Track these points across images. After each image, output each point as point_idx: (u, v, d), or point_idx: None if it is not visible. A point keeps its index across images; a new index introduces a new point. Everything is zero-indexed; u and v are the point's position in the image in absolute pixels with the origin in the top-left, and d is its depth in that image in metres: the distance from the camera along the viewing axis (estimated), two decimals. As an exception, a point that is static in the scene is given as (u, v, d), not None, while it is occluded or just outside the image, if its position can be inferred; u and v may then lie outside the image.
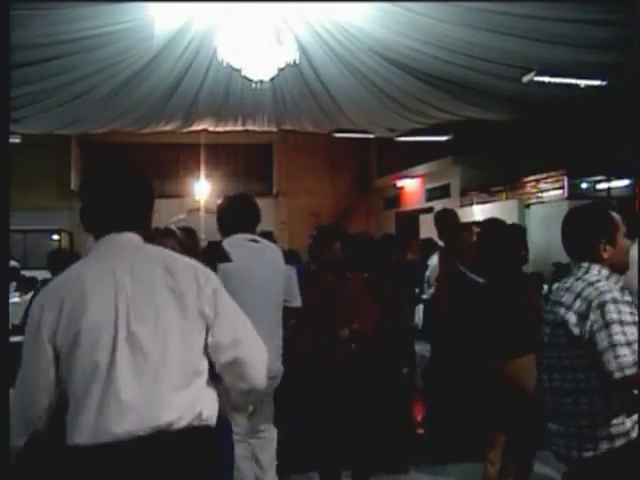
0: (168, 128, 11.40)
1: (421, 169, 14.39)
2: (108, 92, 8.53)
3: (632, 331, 2.15)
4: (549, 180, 10.11)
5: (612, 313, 2.16)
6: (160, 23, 6.34)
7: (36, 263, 13.95)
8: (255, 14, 6.02)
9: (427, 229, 12.66)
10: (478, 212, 11.07)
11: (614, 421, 2.18)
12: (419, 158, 13.94)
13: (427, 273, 6.48)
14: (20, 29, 5.82)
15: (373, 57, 7.40)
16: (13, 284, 8.42)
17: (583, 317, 2.20)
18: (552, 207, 9.65)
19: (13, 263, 9.01)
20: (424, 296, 6.61)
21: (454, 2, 5.77)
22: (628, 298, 2.24)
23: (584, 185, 10.03)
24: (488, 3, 5.69)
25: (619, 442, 2.17)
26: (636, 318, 2.20)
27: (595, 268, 2.32)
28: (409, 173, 15.01)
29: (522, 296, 3.58)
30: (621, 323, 2.14)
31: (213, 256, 3.06)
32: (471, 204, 12.10)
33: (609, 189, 9.80)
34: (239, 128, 11.72)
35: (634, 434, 2.19)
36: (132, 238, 1.83)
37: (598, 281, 2.26)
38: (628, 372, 2.09)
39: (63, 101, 8.82)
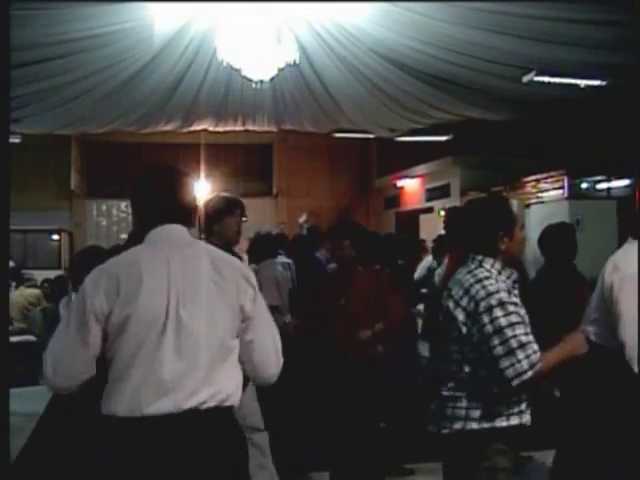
0: (168, 128, 11.40)
1: (421, 169, 14.39)
2: (108, 92, 8.53)
3: (522, 331, 2.18)
4: (549, 180, 10.10)
5: (500, 318, 2.18)
6: (160, 23, 6.34)
7: (36, 263, 14.01)
8: (255, 14, 6.02)
9: (427, 229, 12.68)
10: (478, 212, 11.04)
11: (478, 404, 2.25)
12: (419, 158, 13.93)
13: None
14: (20, 29, 5.82)
15: (373, 57, 7.40)
16: (13, 284, 8.45)
17: (472, 318, 2.23)
18: (552, 207, 9.65)
19: (11, 263, 9.04)
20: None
21: (454, 2, 5.77)
22: (515, 299, 2.27)
23: (584, 185, 10.03)
24: (488, 3, 5.69)
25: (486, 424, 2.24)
26: (525, 317, 2.24)
27: (488, 262, 2.34)
28: (409, 173, 15.00)
29: (569, 294, 3.63)
30: (511, 326, 2.17)
31: None
32: (471, 204, 12.08)
33: (609, 189, 9.80)
34: (239, 128, 11.72)
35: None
36: (183, 231, 1.97)
37: (487, 278, 2.27)
38: (524, 377, 2.14)
39: (63, 101, 8.82)
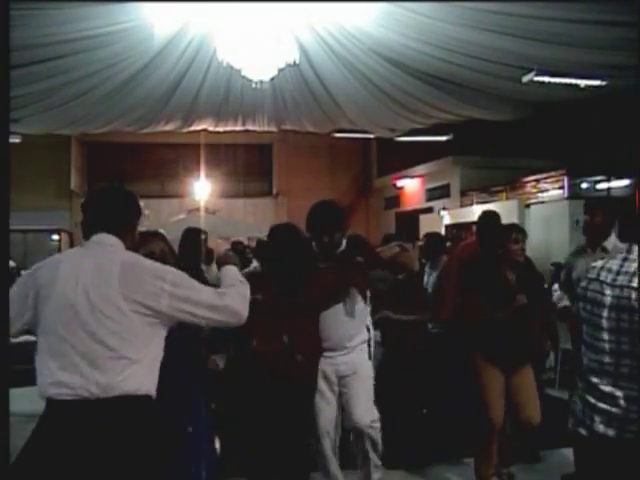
0: (168, 128, 11.40)
1: (421, 169, 14.40)
2: (108, 92, 8.53)
3: None
4: (549, 180, 10.12)
5: None
6: (160, 23, 6.34)
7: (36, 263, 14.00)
8: (255, 14, 6.02)
9: (427, 229, 12.68)
10: (478, 212, 11.05)
11: None
12: (419, 158, 13.95)
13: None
14: (20, 29, 5.83)
15: (373, 57, 7.40)
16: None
17: None
18: (552, 207, 9.66)
19: (12, 263, 9.02)
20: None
21: (454, 2, 5.77)
22: None
23: (584, 185, 10.04)
24: (488, 3, 5.69)
25: None
26: None
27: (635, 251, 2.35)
28: (409, 173, 15.02)
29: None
30: None
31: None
32: (471, 204, 12.12)
33: (609, 189, 9.81)
34: (239, 128, 11.72)
35: None
36: (108, 239, 2.21)
37: None
38: None
39: (63, 101, 8.82)
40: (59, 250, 15.49)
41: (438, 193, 13.83)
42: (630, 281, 2.29)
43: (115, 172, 17.38)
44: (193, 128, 11.63)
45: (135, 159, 17.57)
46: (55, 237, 15.82)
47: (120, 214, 2.28)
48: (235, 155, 17.72)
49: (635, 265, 2.30)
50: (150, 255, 2.46)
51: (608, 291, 2.35)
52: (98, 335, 2.00)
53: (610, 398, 2.30)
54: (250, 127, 11.65)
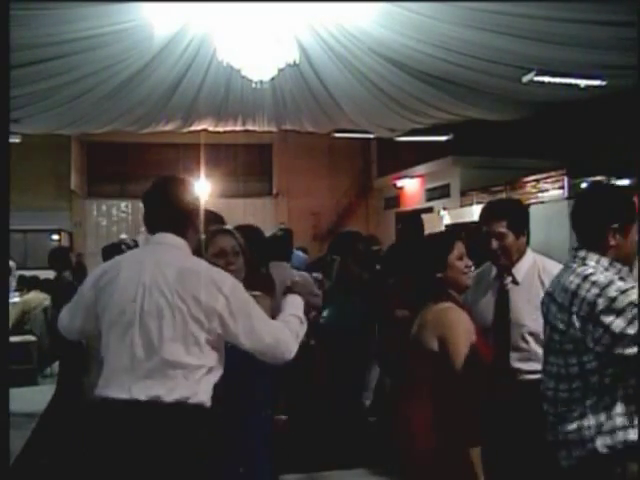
0: (168, 128, 11.40)
1: (421, 169, 14.40)
2: (108, 92, 8.53)
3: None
4: (549, 180, 10.12)
5: (627, 312, 1.86)
6: (160, 23, 6.34)
7: (36, 263, 14.00)
8: (255, 14, 6.02)
9: (427, 229, 12.68)
10: (478, 212, 11.04)
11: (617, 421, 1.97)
12: (419, 158, 13.94)
13: None
14: (20, 29, 5.83)
15: (373, 57, 7.41)
16: (13, 284, 8.43)
17: (586, 320, 1.93)
18: (552, 207, 9.65)
19: (11, 263, 9.02)
20: None
21: (454, 2, 5.78)
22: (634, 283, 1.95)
23: (584, 185, 10.03)
24: (488, 3, 5.69)
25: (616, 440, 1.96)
26: None
27: (593, 258, 2.03)
28: (409, 173, 15.01)
29: None
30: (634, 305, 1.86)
31: None
32: (471, 204, 12.10)
33: (609, 189, 9.79)
34: (239, 128, 11.72)
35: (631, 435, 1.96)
36: (169, 239, 2.10)
37: (593, 274, 1.96)
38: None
39: (63, 101, 8.82)
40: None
41: (438, 193, 13.82)
42: (559, 296, 2.06)
43: (115, 172, 17.39)
44: (193, 128, 11.63)
45: (135, 159, 17.55)
46: (55, 237, 15.80)
47: (181, 212, 2.12)
48: (235, 155, 17.72)
49: (575, 280, 2.01)
50: (221, 253, 2.31)
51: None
52: (153, 341, 1.94)
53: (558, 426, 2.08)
54: (250, 127, 11.65)
